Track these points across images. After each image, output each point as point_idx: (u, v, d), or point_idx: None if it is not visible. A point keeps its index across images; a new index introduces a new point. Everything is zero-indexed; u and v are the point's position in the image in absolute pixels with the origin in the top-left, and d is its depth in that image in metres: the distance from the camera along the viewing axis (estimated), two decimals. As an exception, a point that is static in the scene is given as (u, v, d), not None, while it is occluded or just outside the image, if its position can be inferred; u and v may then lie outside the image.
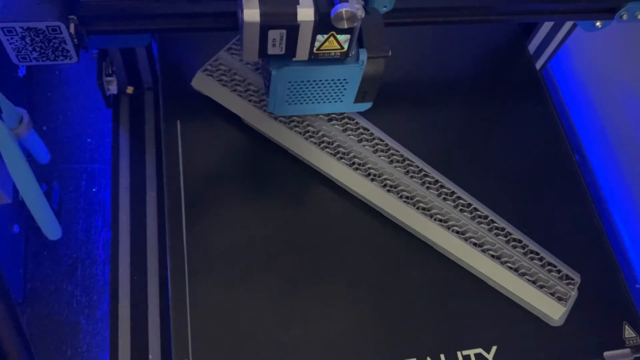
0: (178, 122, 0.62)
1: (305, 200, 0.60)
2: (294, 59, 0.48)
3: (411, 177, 0.60)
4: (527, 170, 0.65)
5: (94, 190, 0.77)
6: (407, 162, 0.61)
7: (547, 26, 0.73)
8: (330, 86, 0.51)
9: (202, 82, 0.63)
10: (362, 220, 0.59)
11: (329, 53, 0.48)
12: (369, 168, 0.60)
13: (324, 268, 0.56)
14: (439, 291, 0.58)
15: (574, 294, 0.58)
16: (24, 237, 0.71)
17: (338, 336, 0.54)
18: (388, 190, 0.59)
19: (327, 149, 0.60)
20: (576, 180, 0.65)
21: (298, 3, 0.44)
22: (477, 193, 0.61)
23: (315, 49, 0.47)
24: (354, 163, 0.60)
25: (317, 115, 0.61)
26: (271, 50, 0.46)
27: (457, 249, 0.58)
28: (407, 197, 0.59)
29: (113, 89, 0.69)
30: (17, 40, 0.51)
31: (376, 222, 0.59)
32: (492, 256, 0.58)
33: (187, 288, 0.54)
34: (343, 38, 0.47)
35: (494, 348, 0.55)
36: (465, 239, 0.58)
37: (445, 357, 0.54)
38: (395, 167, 0.60)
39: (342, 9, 0.43)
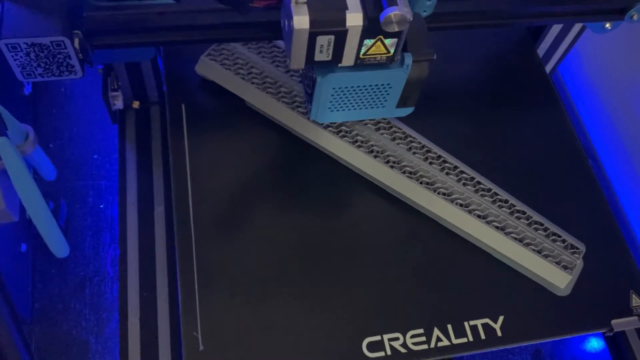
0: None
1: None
2: (339, 65, 0.48)
3: (413, 153, 0.61)
4: (532, 150, 0.66)
5: (101, 206, 0.76)
6: (409, 138, 0.62)
7: (555, 29, 0.72)
8: (374, 91, 0.51)
9: (205, 67, 0.64)
10: (370, 199, 0.61)
11: (375, 58, 0.48)
12: (372, 145, 0.61)
13: (336, 247, 0.58)
14: (445, 264, 0.58)
15: (579, 262, 0.59)
16: (31, 255, 0.71)
17: (347, 308, 0.55)
18: (391, 166, 0.60)
19: (330, 128, 0.62)
20: (579, 157, 0.66)
21: (347, 8, 0.44)
22: (482, 171, 0.62)
23: (361, 54, 0.47)
24: (357, 141, 0.61)
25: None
26: (318, 57, 0.46)
27: (462, 222, 0.59)
28: (410, 173, 0.60)
29: (119, 103, 0.68)
30: (21, 57, 0.50)
31: (382, 200, 0.60)
32: (497, 227, 0.59)
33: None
34: (390, 42, 0.46)
35: (500, 318, 0.56)
36: (470, 212, 0.59)
37: (453, 328, 0.55)
38: (398, 143, 0.62)
39: (392, 12, 0.43)
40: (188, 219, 0.57)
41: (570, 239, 0.60)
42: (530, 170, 0.65)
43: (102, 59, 0.61)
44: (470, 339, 0.55)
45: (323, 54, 0.46)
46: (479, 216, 0.59)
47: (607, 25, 0.66)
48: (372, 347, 0.54)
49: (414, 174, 0.60)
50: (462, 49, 0.70)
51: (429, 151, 0.62)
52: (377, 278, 0.57)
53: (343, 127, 0.62)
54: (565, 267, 0.58)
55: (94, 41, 0.53)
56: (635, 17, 0.63)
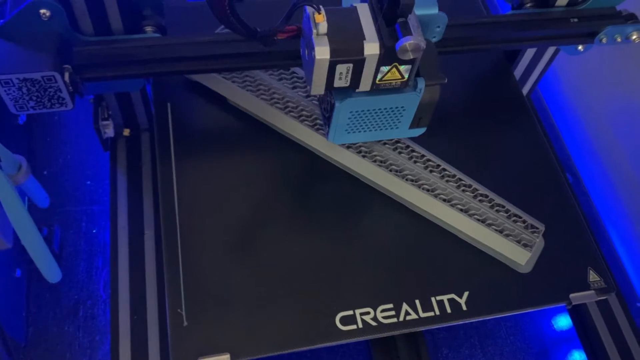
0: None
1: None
2: (356, 90, 0.51)
3: (384, 143, 0.65)
4: (501, 152, 0.69)
5: (94, 231, 0.78)
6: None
7: (530, 52, 0.74)
8: (389, 114, 0.54)
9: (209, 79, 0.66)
10: (343, 188, 0.64)
11: (390, 83, 0.51)
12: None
13: (312, 231, 0.61)
14: (413, 245, 0.62)
15: (538, 241, 0.62)
16: (25, 280, 0.72)
17: (322, 285, 0.58)
18: (363, 156, 0.64)
19: (306, 121, 0.65)
20: (541, 144, 0.70)
21: (364, 38, 0.47)
22: (448, 160, 0.66)
23: (377, 79, 0.50)
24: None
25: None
26: (337, 83, 0.49)
27: (428, 205, 0.63)
28: (380, 162, 0.64)
29: (110, 132, 0.70)
30: (14, 91, 0.52)
31: (355, 187, 0.64)
32: (461, 210, 0.63)
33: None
34: (404, 68, 0.49)
35: (466, 293, 0.59)
36: (435, 196, 0.63)
37: (420, 303, 0.58)
38: None
39: (407, 42, 0.46)
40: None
41: (530, 220, 0.63)
42: (495, 159, 0.68)
43: (92, 90, 0.63)
44: (437, 312, 0.58)
45: (342, 81, 0.49)
46: (444, 200, 0.63)
47: (580, 47, 0.69)
48: (345, 320, 0.57)
49: (384, 163, 0.64)
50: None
51: (397, 141, 0.66)
52: (350, 258, 0.60)
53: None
54: (525, 245, 0.61)
55: (84, 74, 0.55)
56: (604, 40, 0.65)
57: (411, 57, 0.47)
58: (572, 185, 0.84)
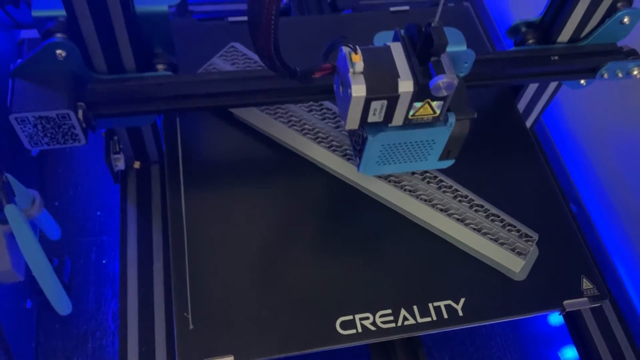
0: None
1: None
2: (389, 125, 0.52)
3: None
4: (495, 162, 0.71)
5: (103, 262, 0.79)
6: None
7: (534, 85, 0.76)
8: (419, 147, 0.56)
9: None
10: (343, 197, 0.67)
11: (422, 118, 0.53)
12: (346, 149, 0.68)
13: (315, 240, 0.64)
14: (412, 253, 0.64)
15: (532, 249, 0.65)
16: (36, 311, 0.73)
17: (323, 291, 0.60)
18: (349, 159, 0.66)
19: (309, 134, 0.68)
20: (535, 155, 0.72)
21: (399, 76, 0.49)
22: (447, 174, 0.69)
23: (410, 115, 0.52)
24: (331, 145, 0.68)
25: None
26: (371, 119, 0.51)
27: (426, 215, 0.65)
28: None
29: (121, 165, 0.72)
30: (29, 128, 0.54)
31: (358, 199, 0.66)
32: (457, 219, 0.65)
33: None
34: (436, 104, 0.51)
35: (462, 300, 0.61)
36: (432, 206, 0.65)
37: (418, 308, 0.60)
38: None
39: (440, 80, 0.47)
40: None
41: (525, 229, 0.66)
42: (492, 172, 0.71)
43: (104, 125, 0.65)
44: (434, 318, 0.60)
45: (375, 116, 0.51)
46: (441, 210, 0.65)
47: (582, 82, 0.70)
48: (345, 325, 0.59)
49: (383, 175, 0.67)
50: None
51: None
52: (350, 265, 0.62)
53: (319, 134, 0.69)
54: (519, 253, 0.64)
55: (97, 111, 0.57)
56: (605, 76, 0.67)
57: (445, 94, 0.49)
58: (577, 216, 0.84)
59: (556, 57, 0.65)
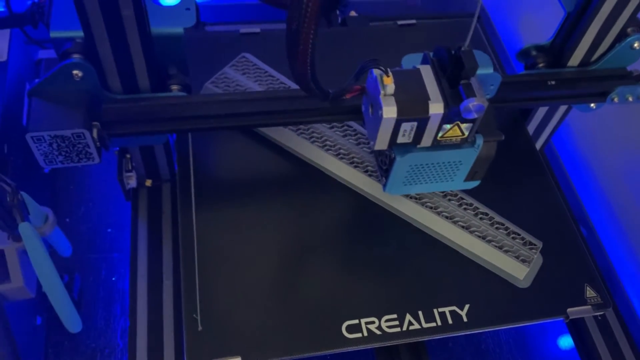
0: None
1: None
2: (418, 146, 0.53)
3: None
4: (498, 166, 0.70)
5: (113, 279, 0.79)
6: None
7: (544, 108, 0.76)
8: (446, 168, 0.56)
9: (209, 92, 0.72)
10: (350, 204, 0.68)
11: (451, 139, 0.53)
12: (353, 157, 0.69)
13: (324, 246, 0.65)
14: (417, 259, 0.65)
15: (536, 257, 0.65)
16: (45, 328, 0.73)
17: (329, 295, 0.62)
18: (370, 175, 0.68)
19: (330, 150, 0.69)
20: (542, 171, 0.73)
21: (429, 98, 0.50)
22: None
23: (439, 136, 0.52)
24: (339, 153, 0.69)
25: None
26: (400, 140, 0.52)
27: (432, 222, 0.66)
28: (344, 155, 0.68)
29: (132, 182, 0.72)
30: (45, 147, 0.55)
31: (365, 206, 0.68)
32: (462, 227, 0.66)
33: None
34: (465, 126, 0.52)
35: (467, 306, 0.62)
36: (438, 213, 0.66)
37: (423, 314, 0.61)
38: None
39: (471, 103, 0.48)
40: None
41: (529, 237, 0.67)
42: (500, 188, 0.71)
43: (118, 144, 0.65)
44: (439, 323, 0.61)
45: (405, 137, 0.52)
46: (446, 217, 0.66)
47: (592, 105, 0.70)
48: (351, 329, 0.60)
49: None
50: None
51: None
52: (357, 271, 0.63)
53: (336, 147, 0.70)
54: (523, 261, 0.65)
55: (111, 130, 0.58)
56: (616, 100, 0.67)
57: (475, 116, 0.49)
58: (587, 239, 0.84)
59: (564, 81, 0.66)
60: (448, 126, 0.52)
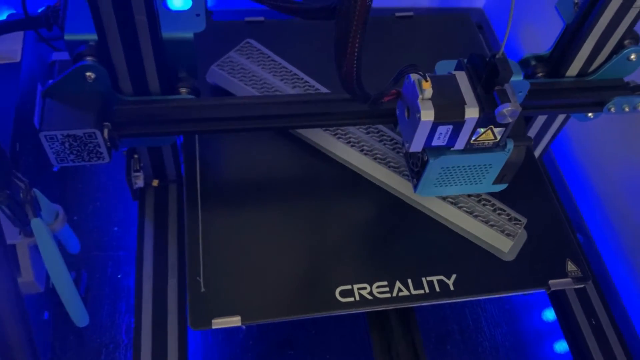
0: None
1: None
2: (451, 149, 0.56)
3: (384, 144, 0.74)
4: None
5: (119, 276, 0.81)
6: (380, 132, 0.74)
7: (542, 117, 0.77)
8: (477, 171, 0.59)
9: (215, 75, 0.76)
10: (347, 182, 0.71)
11: (483, 143, 0.56)
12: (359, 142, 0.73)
13: (321, 218, 0.69)
14: (408, 232, 0.68)
15: (520, 232, 0.69)
16: (52, 323, 0.75)
17: (323, 263, 0.65)
18: (365, 154, 0.72)
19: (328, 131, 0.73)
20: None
21: (465, 103, 0.52)
22: None
23: (472, 139, 0.55)
24: (349, 141, 0.73)
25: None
26: (435, 142, 0.55)
27: (422, 198, 0.70)
28: (380, 159, 0.72)
29: (140, 182, 0.74)
30: (57, 145, 0.56)
31: (359, 183, 0.71)
32: (451, 203, 0.70)
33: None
34: (498, 130, 0.55)
35: (454, 276, 0.65)
36: None
37: (412, 281, 0.65)
38: (372, 136, 0.74)
39: (505, 108, 0.51)
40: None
41: (514, 213, 0.70)
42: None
43: (127, 144, 0.67)
44: (427, 291, 0.64)
45: (440, 140, 0.54)
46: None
47: (590, 115, 0.72)
48: (344, 293, 0.63)
49: (383, 160, 0.72)
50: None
51: (396, 142, 0.74)
52: (351, 241, 0.67)
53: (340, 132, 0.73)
54: (508, 235, 0.68)
55: (122, 131, 0.59)
56: (612, 110, 0.69)
57: (509, 121, 0.52)
58: (583, 245, 0.85)
59: (562, 90, 0.68)
60: (482, 130, 0.54)
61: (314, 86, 0.76)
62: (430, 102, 0.51)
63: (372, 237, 0.68)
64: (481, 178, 0.60)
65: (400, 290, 0.64)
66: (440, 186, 0.60)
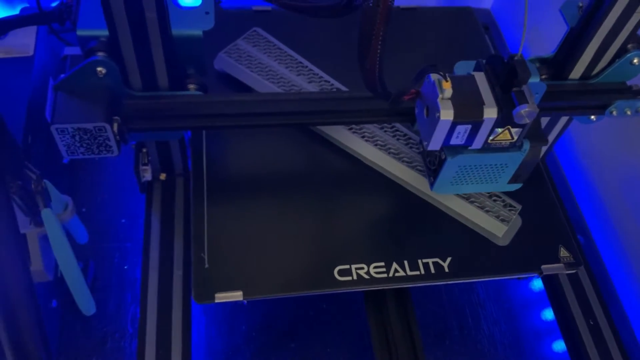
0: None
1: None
2: (469, 148, 0.57)
3: (397, 139, 0.75)
4: None
5: (125, 267, 0.82)
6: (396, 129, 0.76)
7: (545, 119, 0.78)
8: (492, 170, 0.61)
9: (222, 62, 0.79)
10: (349, 167, 0.74)
11: (500, 143, 0.57)
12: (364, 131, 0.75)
13: (322, 200, 0.71)
14: (405, 216, 0.71)
15: (515, 218, 0.71)
16: (60, 311, 0.77)
17: (323, 244, 0.67)
18: (367, 140, 0.74)
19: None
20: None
21: (484, 103, 0.54)
22: None
23: (489, 139, 0.56)
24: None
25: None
26: (453, 141, 0.56)
27: (420, 183, 0.72)
28: (381, 146, 0.74)
29: (148, 175, 0.75)
30: (68, 138, 0.58)
31: (358, 167, 0.74)
32: None
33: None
34: (515, 130, 0.56)
35: (449, 258, 0.67)
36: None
37: (408, 263, 0.67)
38: (386, 131, 0.76)
39: (523, 109, 0.52)
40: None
41: (509, 200, 0.72)
42: None
43: (135, 138, 0.69)
44: (422, 272, 0.66)
45: (458, 139, 0.56)
46: None
47: (592, 117, 0.72)
48: (342, 273, 0.65)
49: (384, 146, 0.74)
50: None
51: (398, 130, 0.76)
52: (350, 223, 0.69)
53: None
54: (502, 220, 0.71)
55: (131, 125, 0.60)
56: (614, 113, 0.69)
57: (527, 121, 0.53)
58: (583, 247, 0.86)
59: (565, 93, 0.68)
60: (499, 130, 0.55)
61: (318, 74, 0.79)
62: (449, 101, 0.52)
63: (371, 220, 0.70)
64: (496, 177, 0.61)
65: (396, 270, 0.66)
66: (456, 184, 0.62)
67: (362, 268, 0.66)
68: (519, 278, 0.75)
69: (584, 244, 0.90)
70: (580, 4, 0.65)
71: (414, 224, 0.70)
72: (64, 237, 0.59)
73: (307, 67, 0.79)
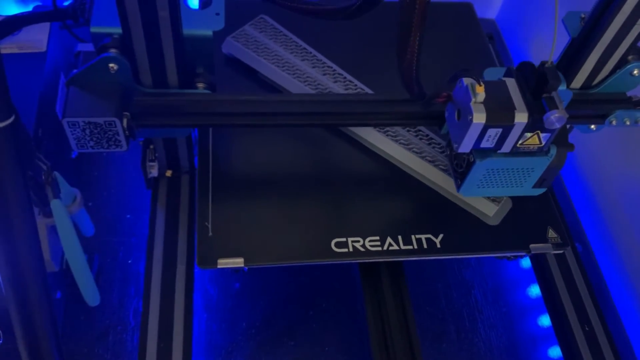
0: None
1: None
2: (498, 152, 0.59)
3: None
4: None
5: (129, 261, 0.84)
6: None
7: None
8: (519, 174, 0.62)
9: (230, 46, 0.82)
10: (345, 148, 0.77)
11: (528, 147, 0.59)
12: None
13: (322, 176, 0.74)
14: (400, 194, 0.74)
15: (505, 199, 0.74)
16: (64, 302, 0.78)
17: (321, 217, 0.71)
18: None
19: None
20: None
21: (515, 108, 0.55)
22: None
23: (518, 143, 0.58)
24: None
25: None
26: (484, 144, 0.58)
27: (414, 163, 0.75)
28: (383, 131, 0.77)
29: (154, 172, 0.77)
30: (78, 132, 0.59)
31: (354, 147, 0.77)
32: (442, 169, 0.75)
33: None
34: (544, 135, 0.58)
35: (441, 235, 0.70)
36: (422, 157, 0.75)
37: (402, 238, 0.70)
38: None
39: (553, 115, 0.54)
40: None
41: None
42: None
43: (144, 134, 0.70)
44: (415, 247, 0.69)
45: (488, 142, 0.57)
46: (429, 160, 0.75)
47: (592, 127, 0.74)
48: (339, 245, 0.68)
49: (382, 129, 0.77)
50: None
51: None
52: (347, 198, 0.72)
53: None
54: (493, 200, 0.74)
55: (140, 121, 0.62)
56: (614, 122, 0.70)
57: (557, 127, 0.55)
58: (581, 254, 0.87)
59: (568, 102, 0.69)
60: (528, 134, 0.57)
61: (321, 60, 0.82)
62: (482, 105, 0.54)
63: (367, 197, 0.73)
64: (522, 181, 0.63)
65: (390, 245, 0.69)
66: (483, 187, 0.63)
67: (358, 241, 0.68)
68: (508, 258, 0.76)
69: (581, 252, 0.91)
70: (583, 15, 0.66)
71: (409, 202, 0.73)
72: (71, 227, 0.60)
73: (311, 52, 0.82)
